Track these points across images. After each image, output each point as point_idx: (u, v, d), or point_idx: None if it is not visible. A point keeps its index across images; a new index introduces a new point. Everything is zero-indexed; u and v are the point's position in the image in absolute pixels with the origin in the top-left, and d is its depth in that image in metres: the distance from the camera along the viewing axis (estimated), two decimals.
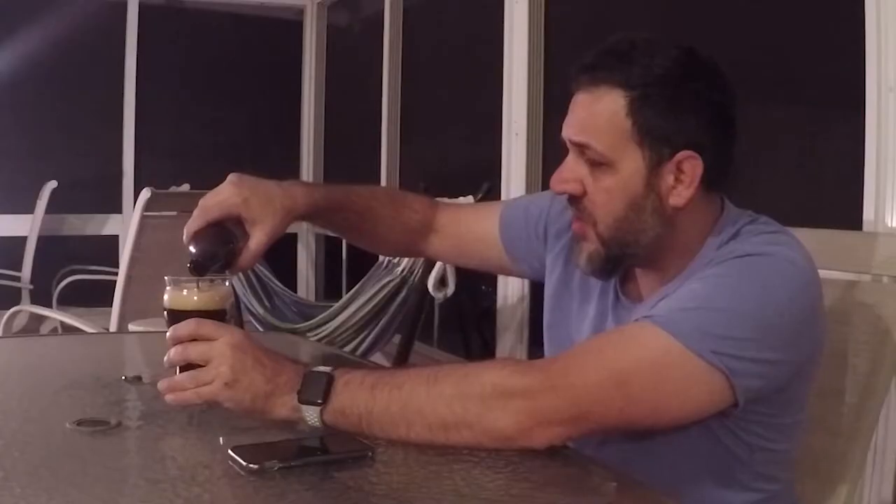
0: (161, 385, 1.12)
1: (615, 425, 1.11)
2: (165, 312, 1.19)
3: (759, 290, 1.08)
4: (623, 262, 1.22)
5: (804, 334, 1.12)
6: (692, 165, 1.14)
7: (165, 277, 1.20)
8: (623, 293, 1.27)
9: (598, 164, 1.16)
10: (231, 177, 1.28)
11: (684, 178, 1.14)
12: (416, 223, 1.48)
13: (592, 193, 1.17)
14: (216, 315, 1.18)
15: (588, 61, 1.17)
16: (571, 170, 1.19)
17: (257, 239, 1.26)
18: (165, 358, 1.12)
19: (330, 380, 1.06)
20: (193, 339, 1.11)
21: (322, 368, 1.08)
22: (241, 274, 4.27)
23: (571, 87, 1.19)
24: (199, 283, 1.19)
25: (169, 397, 1.10)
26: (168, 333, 1.13)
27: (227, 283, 1.23)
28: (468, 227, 1.50)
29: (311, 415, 1.06)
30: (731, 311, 1.06)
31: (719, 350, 1.04)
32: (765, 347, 1.07)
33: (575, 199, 1.19)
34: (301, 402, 1.06)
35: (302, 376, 1.07)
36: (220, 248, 1.23)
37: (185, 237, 1.24)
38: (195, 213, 1.25)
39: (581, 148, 1.17)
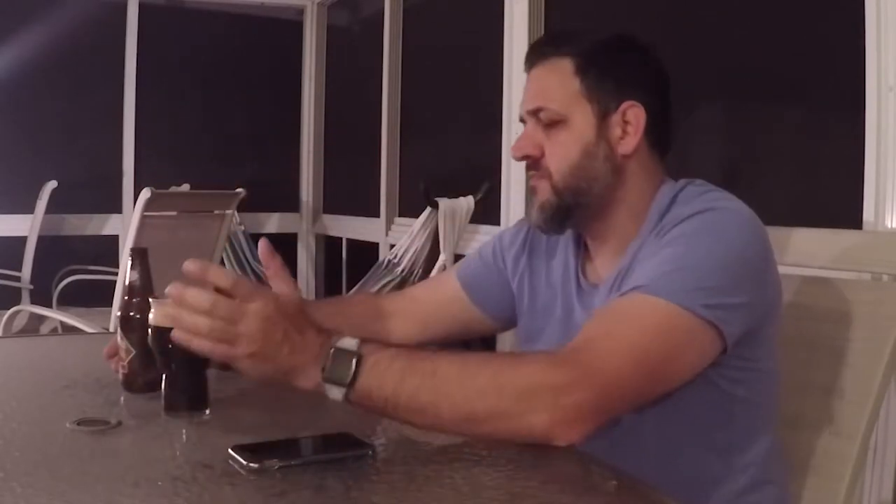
0: (169, 309, 1.02)
1: (637, 405, 1.13)
2: (150, 330, 1.15)
3: (722, 240, 1.16)
4: (574, 214, 1.29)
5: (765, 276, 1.20)
6: (636, 114, 1.27)
7: (150, 299, 1.17)
8: (584, 277, 1.34)
9: (553, 124, 1.28)
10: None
11: (630, 128, 1.27)
12: (367, 319, 1.49)
13: (549, 150, 1.28)
14: None
15: (538, 42, 1.36)
16: (529, 136, 1.30)
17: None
18: (170, 289, 1.02)
19: (358, 359, 1.02)
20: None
21: (349, 345, 1.03)
22: (240, 273, 4.27)
23: (525, 68, 1.33)
24: None
25: (179, 334, 1.02)
26: (197, 268, 1.03)
27: None
28: (429, 298, 1.55)
29: (335, 393, 1.02)
30: (705, 265, 1.13)
31: (707, 302, 1.10)
32: (739, 292, 1.14)
33: (534, 162, 1.30)
34: (325, 380, 1.02)
35: (326, 350, 1.03)
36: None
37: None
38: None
39: (536, 113, 1.29)
